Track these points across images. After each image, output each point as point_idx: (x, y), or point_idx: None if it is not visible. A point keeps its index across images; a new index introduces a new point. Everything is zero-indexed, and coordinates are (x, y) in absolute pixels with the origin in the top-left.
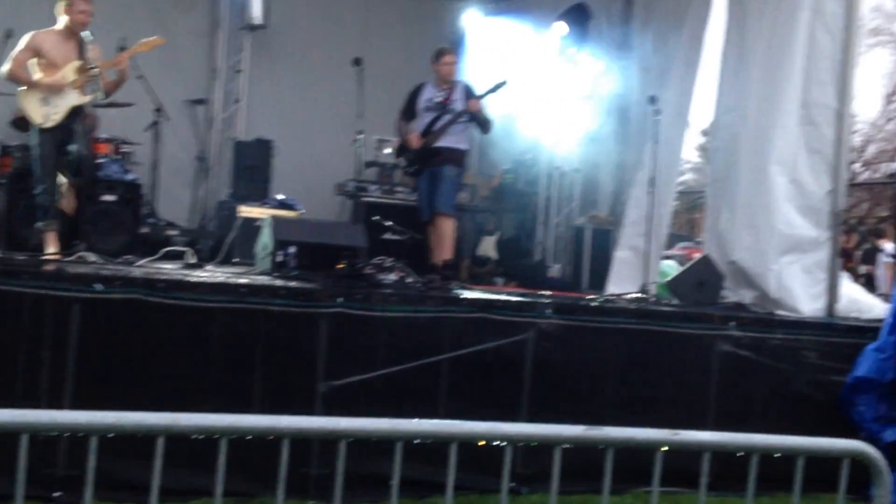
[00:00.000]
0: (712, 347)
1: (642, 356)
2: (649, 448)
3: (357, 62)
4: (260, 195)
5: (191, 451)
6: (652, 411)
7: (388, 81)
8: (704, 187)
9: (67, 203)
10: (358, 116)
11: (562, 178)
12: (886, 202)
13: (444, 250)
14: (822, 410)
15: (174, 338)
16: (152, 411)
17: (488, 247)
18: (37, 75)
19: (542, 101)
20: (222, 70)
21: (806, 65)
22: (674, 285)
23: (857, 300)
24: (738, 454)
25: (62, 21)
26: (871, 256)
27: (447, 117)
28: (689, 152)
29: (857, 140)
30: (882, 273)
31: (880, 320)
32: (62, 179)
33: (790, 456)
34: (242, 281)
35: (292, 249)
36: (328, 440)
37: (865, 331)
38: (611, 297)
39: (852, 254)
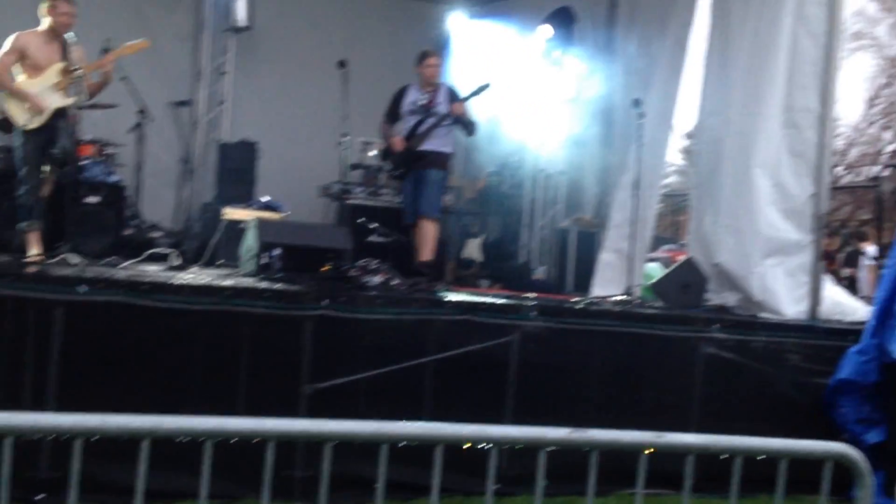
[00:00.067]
0: (696, 350)
1: (627, 358)
2: (634, 450)
3: (342, 64)
4: (244, 197)
5: (175, 453)
6: (636, 413)
7: (373, 84)
8: (688, 190)
9: (45, 189)
10: (343, 119)
11: (546, 180)
12: (869, 205)
13: (425, 252)
14: (805, 412)
15: (158, 340)
16: (136, 414)
17: (473, 249)
18: (20, 77)
19: (527, 103)
20: (207, 72)
21: (789, 69)
22: (658, 288)
23: (839, 303)
24: (721, 456)
25: (45, 22)
26: (853, 259)
27: (431, 120)
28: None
29: (839, 143)
30: (864, 276)
31: (862, 323)
32: (45, 168)
33: (773, 458)
34: (227, 283)
35: (277, 251)
36: (313, 442)
37: (848, 333)
38: (595, 300)
39: (835, 257)
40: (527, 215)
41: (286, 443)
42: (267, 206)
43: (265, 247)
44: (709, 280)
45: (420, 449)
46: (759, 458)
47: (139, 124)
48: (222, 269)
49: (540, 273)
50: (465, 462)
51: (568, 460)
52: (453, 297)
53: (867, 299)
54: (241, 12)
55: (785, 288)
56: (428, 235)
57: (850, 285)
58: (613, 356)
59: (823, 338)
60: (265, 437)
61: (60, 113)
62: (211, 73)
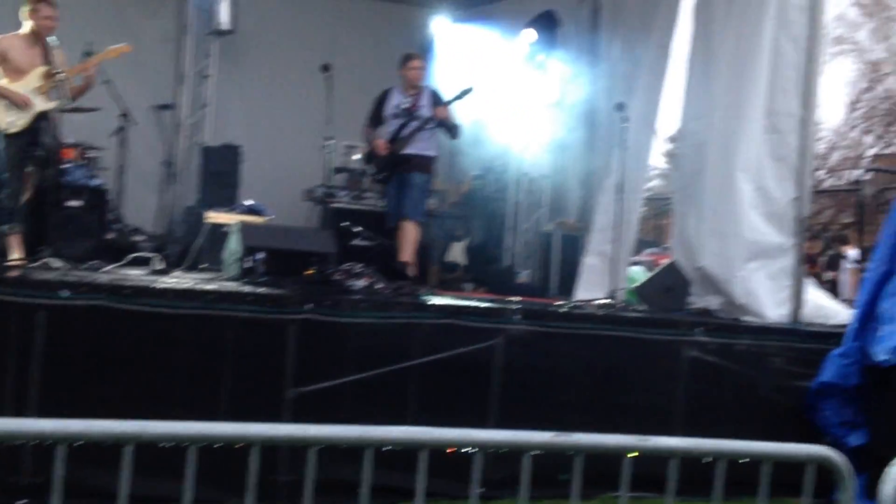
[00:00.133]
0: (680, 353)
1: (610, 362)
2: (618, 454)
3: (326, 68)
4: (228, 201)
5: (159, 458)
6: (620, 417)
7: (357, 87)
8: (671, 194)
9: (27, 192)
10: (327, 122)
11: (530, 184)
12: (850, 209)
13: (405, 254)
14: (788, 415)
15: (141, 344)
16: (119, 419)
17: (457, 253)
18: (2, 80)
19: (510, 107)
20: (189, 75)
21: (771, 73)
22: (641, 291)
23: (821, 306)
24: (704, 460)
25: (27, 26)
26: (835, 262)
27: (414, 124)
28: (657, 159)
29: (820, 147)
30: (846, 279)
31: (844, 326)
32: (28, 170)
33: (756, 461)
34: (210, 287)
35: (260, 255)
36: (298, 447)
37: (830, 336)
38: (579, 303)
39: (817, 260)
40: (511, 219)
41: (270, 447)
42: (250, 210)
43: (249, 250)
44: (692, 283)
45: (405, 453)
46: (742, 461)
47: (122, 128)
48: (205, 273)
49: (524, 276)
50: (449, 466)
51: (552, 464)
52: (437, 300)
53: (849, 302)
54: (224, 16)
55: (767, 291)
56: (409, 237)
57: (832, 288)
58: (597, 360)
59: (806, 341)
60: (250, 441)
61: (43, 116)
62: (194, 77)
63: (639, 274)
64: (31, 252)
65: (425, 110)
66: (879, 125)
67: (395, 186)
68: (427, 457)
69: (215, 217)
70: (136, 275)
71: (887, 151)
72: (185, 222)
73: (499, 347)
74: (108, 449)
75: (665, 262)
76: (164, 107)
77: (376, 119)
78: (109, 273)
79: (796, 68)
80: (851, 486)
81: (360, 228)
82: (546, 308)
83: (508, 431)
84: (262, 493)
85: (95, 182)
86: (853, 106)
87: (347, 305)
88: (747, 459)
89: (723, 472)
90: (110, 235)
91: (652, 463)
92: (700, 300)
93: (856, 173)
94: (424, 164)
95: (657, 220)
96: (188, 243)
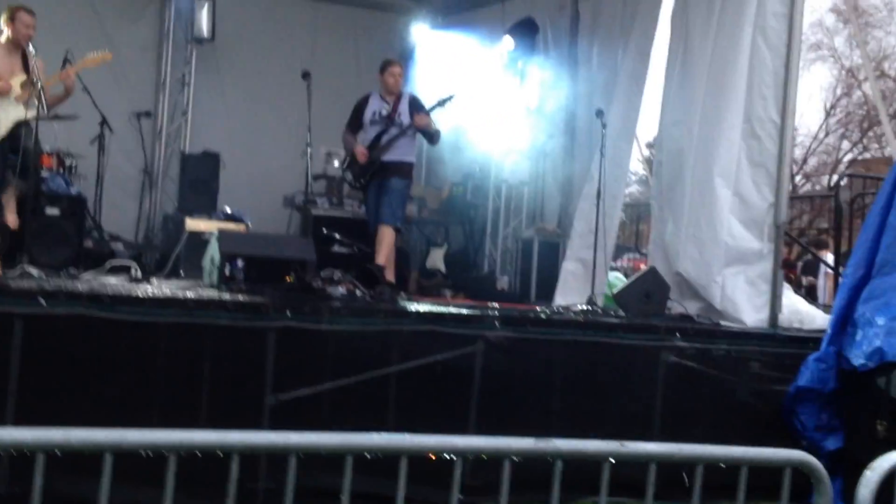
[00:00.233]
0: (658, 358)
1: (590, 367)
2: (597, 459)
3: (305, 75)
4: (207, 208)
5: (139, 466)
6: (599, 422)
7: (337, 94)
8: (650, 199)
9: (12, 219)
10: (306, 129)
11: (510, 190)
12: (827, 214)
13: (380, 257)
14: (766, 420)
15: (120, 353)
16: (98, 427)
17: (437, 259)
18: None
19: (490, 114)
20: (169, 83)
21: (748, 80)
22: (620, 297)
23: (798, 311)
24: (683, 464)
25: (5, 34)
26: (812, 267)
27: (394, 131)
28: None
29: (797, 153)
30: (823, 284)
31: (821, 331)
32: (9, 194)
33: (734, 465)
34: (189, 295)
35: (240, 263)
36: (278, 454)
37: (807, 341)
38: (559, 309)
39: (794, 265)
40: (490, 225)
41: (250, 455)
42: (230, 217)
43: (228, 258)
44: (670, 289)
45: (385, 460)
46: (720, 465)
47: (100, 135)
48: (184, 281)
49: (503, 283)
50: (429, 472)
51: (532, 469)
52: (417, 307)
53: (826, 307)
54: (203, 23)
55: (746, 296)
56: (384, 241)
57: (809, 293)
58: (576, 365)
59: (783, 346)
60: (230, 449)
61: (22, 124)
62: (173, 84)
63: (618, 279)
64: (9, 260)
65: (404, 117)
66: (856, 130)
67: (374, 192)
68: (407, 463)
69: (194, 224)
70: (114, 283)
71: (864, 156)
72: (164, 230)
73: (478, 353)
74: (87, 458)
75: (644, 267)
76: (144, 114)
77: (356, 124)
78: (88, 281)
79: (774, 75)
80: (828, 490)
81: (339, 235)
82: (526, 314)
83: (489, 438)
84: (243, 501)
85: (73, 190)
86: (830, 111)
87: (327, 312)
88: (725, 464)
89: (701, 476)
90: (89, 243)
91: (631, 468)
92: (679, 305)
93: (833, 178)
94: (403, 169)
95: (636, 226)
96: (167, 251)
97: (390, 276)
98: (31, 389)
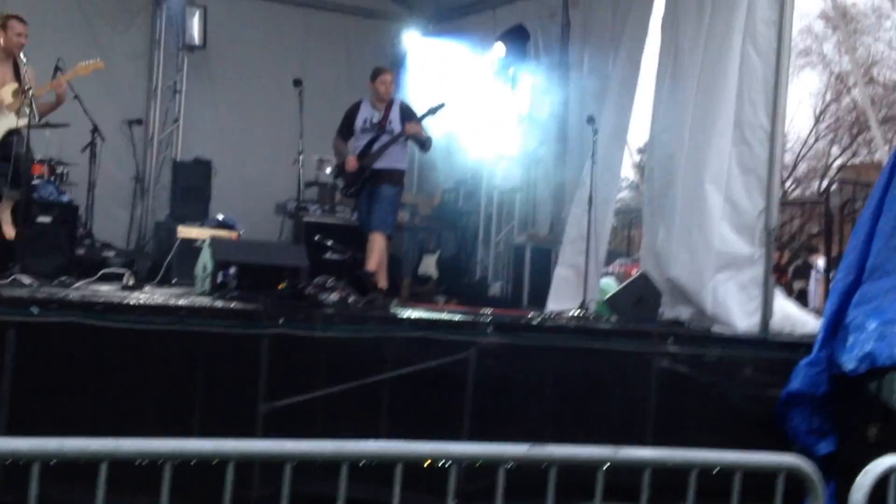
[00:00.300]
0: (651, 364)
1: (582, 373)
2: (591, 465)
3: (297, 83)
4: (199, 215)
5: (134, 475)
6: (593, 427)
7: (329, 102)
8: (641, 205)
9: (9, 230)
10: (298, 136)
11: (502, 196)
12: (817, 219)
13: (371, 263)
14: (758, 425)
15: (113, 361)
16: (91, 436)
17: (429, 265)
18: None
19: (481, 121)
20: (160, 90)
21: (738, 86)
22: (612, 302)
23: (790, 316)
24: (677, 469)
25: None
26: (803, 272)
27: (385, 138)
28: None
29: (788, 158)
30: (814, 288)
31: (813, 335)
32: (3, 206)
33: (728, 470)
34: (182, 302)
35: (232, 270)
36: (273, 462)
37: (799, 346)
38: (551, 315)
39: (785, 270)
40: (482, 231)
41: (245, 463)
42: (222, 224)
43: (220, 265)
44: (662, 294)
45: (380, 467)
46: (713, 470)
47: (92, 143)
48: (177, 289)
49: (496, 289)
50: (424, 479)
51: (526, 475)
52: (410, 313)
53: (817, 312)
54: (194, 31)
55: (737, 302)
56: (375, 247)
57: (801, 298)
58: (569, 371)
59: (775, 350)
60: (225, 458)
61: (14, 132)
62: (165, 92)
63: (610, 285)
64: (0, 268)
65: (395, 124)
66: (845, 136)
67: (366, 199)
68: (402, 470)
69: (186, 232)
70: (106, 291)
71: (853, 162)
72: (156, 237)
73: (471, 360)
74: (82, 467)
75: (636, 272)
76: (135, 122)
77: (346, 131)
78: (80, 289)
79: (764, 81)
80: (821, 494)
81: (331, 242)
82: (518, 320)
83: (484, 444)
84: None
85: (65, 198)
86: (819, 117)
87: (320, 319)
88: (719, 469)
89: (694, 481)
90: (80, 251)
91: (625, 473)
92: (670, 311)
93: (823, 183)
94: (394, 176)
95: (628, 231)
96: (159, 258)
97: (383, 282)
98: (24, 398)
